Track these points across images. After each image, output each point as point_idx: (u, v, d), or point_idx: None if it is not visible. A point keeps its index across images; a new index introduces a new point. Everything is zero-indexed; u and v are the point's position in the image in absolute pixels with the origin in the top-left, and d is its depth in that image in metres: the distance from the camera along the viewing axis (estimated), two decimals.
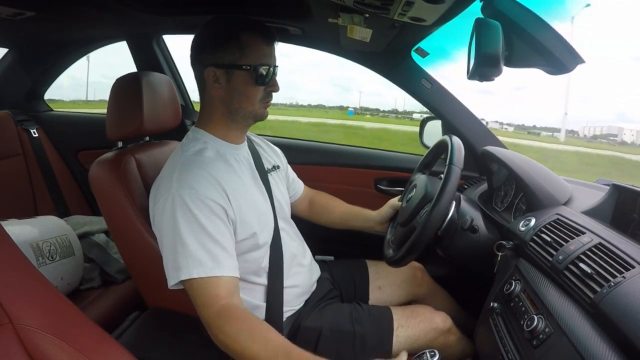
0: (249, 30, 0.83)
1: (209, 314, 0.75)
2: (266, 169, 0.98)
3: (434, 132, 1.45)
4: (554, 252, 0.72)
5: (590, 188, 1.02)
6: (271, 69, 0.85)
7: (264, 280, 0.90)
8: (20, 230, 1.13)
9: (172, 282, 0.76)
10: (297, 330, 0.92)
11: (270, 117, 0.92)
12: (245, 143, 0.96)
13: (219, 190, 0.80)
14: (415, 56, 1.36)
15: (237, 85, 0.84)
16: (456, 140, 0.93)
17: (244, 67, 0.83)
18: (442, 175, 0.87)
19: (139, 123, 0.95)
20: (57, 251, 1.17)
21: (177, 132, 1.10)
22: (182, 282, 0.76)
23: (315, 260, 1.11)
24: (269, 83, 0.86)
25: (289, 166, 1.15)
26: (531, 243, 0.80)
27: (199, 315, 0.77)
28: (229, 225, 0.80)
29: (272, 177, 0.99)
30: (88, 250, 1.31)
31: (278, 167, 1.06)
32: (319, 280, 1.06)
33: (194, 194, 0.77)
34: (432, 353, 0.80)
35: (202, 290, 0.75)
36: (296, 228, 1.06)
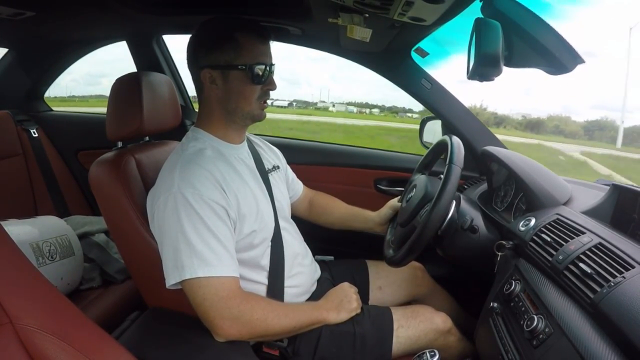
0: (243, 30, 0.83)
1: (213, 314, 0.75)
2: (266, 169, 0.98)
3: (433, 132, 1.45)
4: (554, 252, 0.72)
5: (590, 188, 1.02)
6: (267, 67, 0.85)
7: (264, 279, 0.90)
8: (20, 230, 1.13)
9: (172, 281, 0.76)
10: None
11: None
12: (245, 143, 0.96)
13: (220, 190, 0.80)
14: (415, 56, 1.36)
15: (234, 85, 0.84)
16: (456, 140, 0.93)
17: (239, 67, 0.82)
18: (442, 175, 0.87)
19: (138, 123, 0.94)
20: (57, 251, 1.17)
21: (177, 132, 1.10)
22: (183, 281, 0.76)
23: (315, 260, 1.11)
24: (265, 82, 0.86)
25: (288, 167, 1.15)
26: (531, 243, 0.80)
27: (200, 314, 0.77)
28: (230, 226, 0.80)
29: (273, 177, 1.00)
30: (88, 250, 1.31)
31: (278, 167, 1.06)
32: (319, 281, 1.06)
33: (196, 194, 0.77)
34: (432, 353, 0.81)
35: (207, 289, 0.75)
36: (297, 228, 1.06)
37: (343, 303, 0.91)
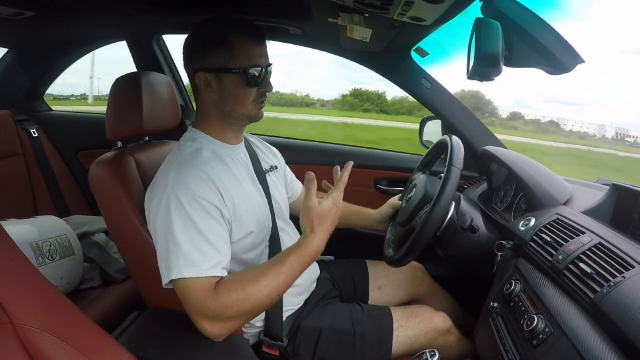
0: (236, 32, 0.82)
1: (196, 316, 0.73)
2: (264, 169, 0.98)
3: (434, 132, 1.45)
4: (554, 252, 0.72)
5: (590, 188, 1.02)
6: (263, 69, 0.84)
7: None
8: (20, 230, 1.13)
9: (164, 281, 0.76)
10: (297, 330, 0.92)
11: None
12: (243, 144, 0.96)
13: (214, 190, 0.79)
14: (415, 56, 1.36)
15: (229, 88, 0.83)
16: (456, 140, 0.93)
17: (233, 70, 0.81)
18: (442, 175, 0.87)
19: (138, 123, 0.94)
20: (57, 251, 1.17)
21: (177, 132, 1.10)
22: (172, 282, 0.75)
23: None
24: (261, 84, 0.85)
25: (287, 167, 1.15)
26: (531, 243, 0.80)
27: (190, 315, 0.75)
28: (224, 226, 0.79)
29: (270, 178, 0.99)
30: (88, 250, 1.31)
31: (276, 167, 1.05)
32: (319, 280, 1.06)
33: (189, 193, 0.76)
34: (432, 353, 0.81)
35: (189, 290, 0.73)
36: (295, 228, 1.06)
37: (314, 226, 0.78)
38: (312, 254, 0.77)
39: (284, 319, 0.92)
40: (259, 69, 0.83)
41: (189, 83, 0.92)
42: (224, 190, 0.81)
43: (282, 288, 0.75)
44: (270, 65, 0.86)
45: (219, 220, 0.79)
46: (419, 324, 0.94)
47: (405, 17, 0.84)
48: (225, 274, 0.78)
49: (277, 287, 0.74)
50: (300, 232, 1.06)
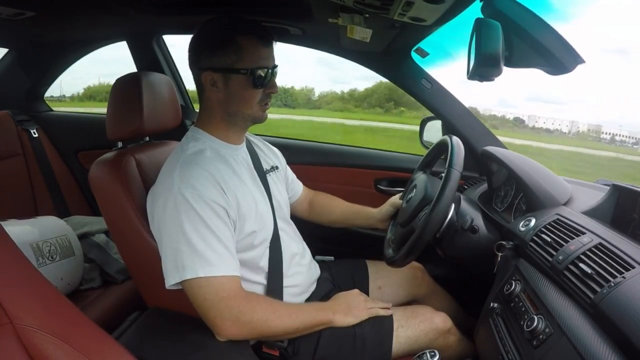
0: (245, 33, 0.82)
1: (214, 314, 0.75)
2: (265, 169, 0.98)
3: (434, 132, 1.45)
4: (554, 253, 0.72)
5: (590, 188, 1.02)
6: (269, 71, 0.84)
7: (263, 279, 0.90)
8: (20, 230, 1.13)
9: (172, 281, 0.76)
10: None
11: None
12: (244, 144, 0.96)
13: (219, 190, 0.80)
14: (415, 56, 1.36)
15: (235, 88, 0.83)
16: (456, 141, 0.92)
17: (241, 71, 0.82)
18: (442, 175, 0.87)
19: (139, 123, 0.94)
20: (57, 251, 1.17)
21: (177, 132, 1.10)
22: (183, 281, 0.76)
23: (315, 260, 1.11)
24: (267, 85, 0.85)
25: (288, 167, 1.15)
26: (531, 243, 0.80)
27: (201, 314, 0.77)
28: (230, 226, 0.80)
29: (271, 178, 0.99)
30: (88, 250, 1.31)
31: (277, 167, 1.06)
32: (318, 280, 1.06)
33: (196, 194, 0.77)
34: (432, 353, 0.81)
35: (207, 290, 0.75)
36: (296, 228, 1.06)
37: (351, 308, 0.91)
38: (327, 323, 0.88)
39: None
40: (265, 70, 0.83)
41: (189, 83, 0.92)
42: (228, 190, 0.81)
43: (296, 329, 0.83)
44: (276, 66, 0.86)
45: (226, 221, 0.79)
46: (419, 324, 0.94)
47: (405, 17, 0.84)
48: (239, 273, 0.79)
49: (291, 325, 0.82)
50: (300, 232, 1.07)
